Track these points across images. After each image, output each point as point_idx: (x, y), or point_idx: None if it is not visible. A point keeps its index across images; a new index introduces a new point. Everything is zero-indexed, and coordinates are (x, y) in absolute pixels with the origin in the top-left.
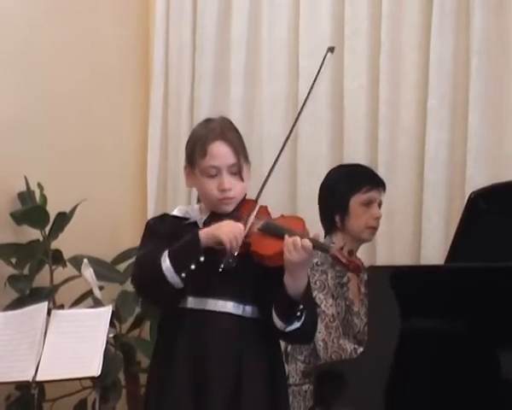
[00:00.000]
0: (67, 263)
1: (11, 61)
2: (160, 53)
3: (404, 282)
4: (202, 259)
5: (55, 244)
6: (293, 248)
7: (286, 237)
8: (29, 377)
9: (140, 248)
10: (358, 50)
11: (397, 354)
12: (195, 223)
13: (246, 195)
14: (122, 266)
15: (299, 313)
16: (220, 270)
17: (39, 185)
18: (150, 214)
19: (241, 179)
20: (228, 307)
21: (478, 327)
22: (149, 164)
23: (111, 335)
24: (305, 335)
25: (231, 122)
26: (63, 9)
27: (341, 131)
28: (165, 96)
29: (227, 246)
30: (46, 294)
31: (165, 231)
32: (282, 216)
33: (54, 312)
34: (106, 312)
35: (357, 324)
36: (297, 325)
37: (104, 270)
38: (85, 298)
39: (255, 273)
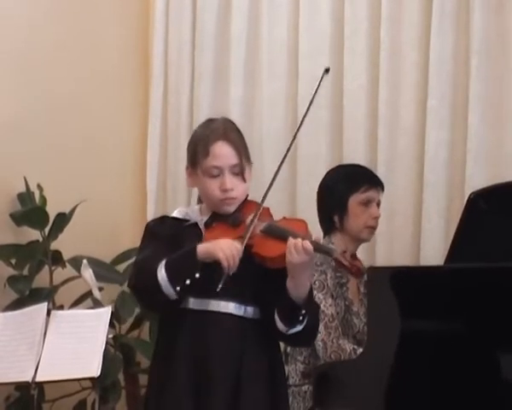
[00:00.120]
0: (67, 264)
1: (11, 61)
2: (160, 51)
3: (404, 282)
4: (198, 275)
5: (54, 245)
6: (294, 249)
7: (289, 239)
8: (28, 378)
9: (139, 251)
10: (358, 50)
11: (396, 355)
12: (196, 224)
13: (248, 196)
14: (121, 267)
15: (301, 318)
16: (218, 290)
17: (39, 186)
18: (150, 215)
19: (244, 180)
20: (230, 307)
21: (478, 328)
22: (149, 163)
23: (110, 335)
24: (307, 338)
25: (234, 123)
26: (63, 9)
27: (341, 131)
28: (164, 94)
29: (224, 264)
30: (46, 294)
31: (166, 234)
32: (285, 218)
33: (53, 312)
34: (105, 312)
35: (356, 324)
36: (299, 328)
37: (104, 271)
38: (85, 299)
39: (256, 274)
